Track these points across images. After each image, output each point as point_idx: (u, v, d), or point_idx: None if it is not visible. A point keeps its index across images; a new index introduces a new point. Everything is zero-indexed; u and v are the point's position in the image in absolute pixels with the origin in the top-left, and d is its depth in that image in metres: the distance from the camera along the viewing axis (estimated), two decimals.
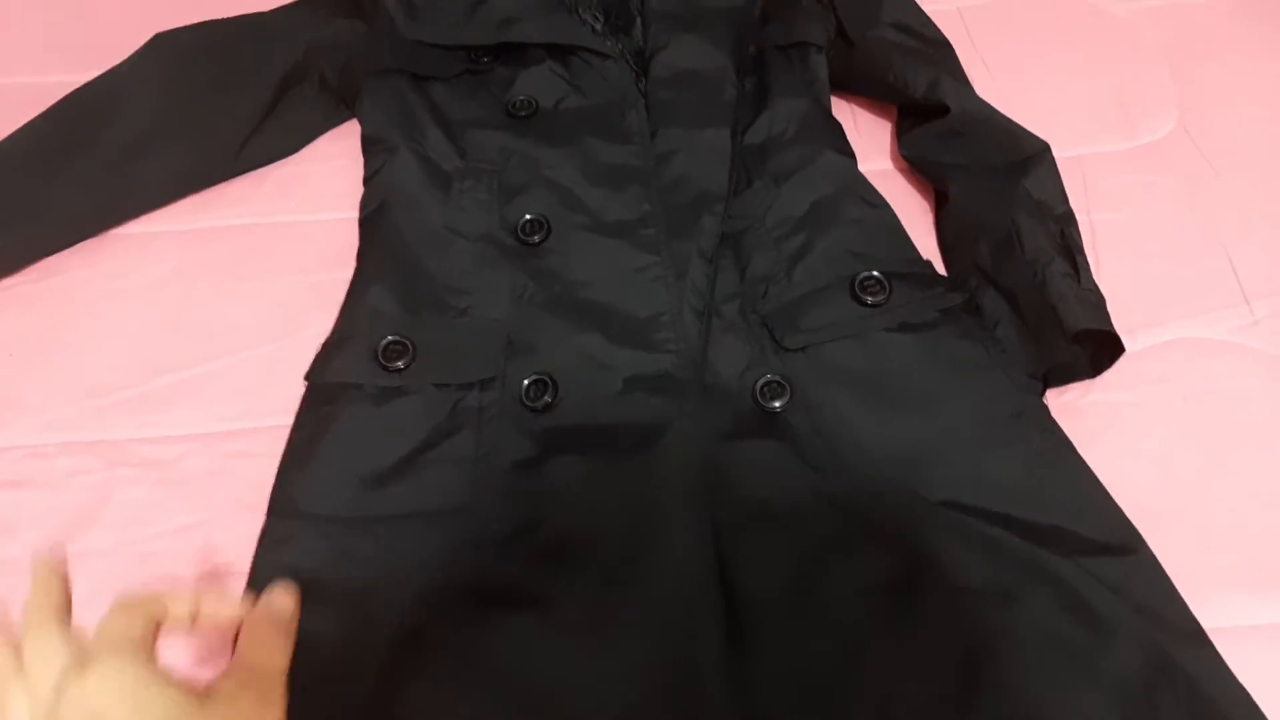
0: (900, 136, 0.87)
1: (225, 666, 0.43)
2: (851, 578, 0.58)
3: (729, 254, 0.75)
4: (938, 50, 0.90)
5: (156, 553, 0.63)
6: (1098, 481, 0.63)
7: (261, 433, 0.68)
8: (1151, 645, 0.55)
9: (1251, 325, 0.75)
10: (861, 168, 0.82)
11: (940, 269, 0.78)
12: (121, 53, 0.84)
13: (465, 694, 0.54)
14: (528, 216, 0.75)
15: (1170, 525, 0.62)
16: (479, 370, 0.67)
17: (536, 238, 0.74)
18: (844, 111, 0.91)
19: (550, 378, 0.66)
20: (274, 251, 0.80)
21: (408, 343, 0.68)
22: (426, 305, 0.71)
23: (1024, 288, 0.70)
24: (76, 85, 0.83)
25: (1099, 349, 0.69)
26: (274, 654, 0.44)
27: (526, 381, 0.66)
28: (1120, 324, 0.68)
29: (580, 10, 0.88)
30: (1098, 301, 0.69)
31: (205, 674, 0.58)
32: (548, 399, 0.65)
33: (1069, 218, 0.74)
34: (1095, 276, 0.70)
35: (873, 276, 0.71)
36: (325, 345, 0.70)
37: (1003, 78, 0.92)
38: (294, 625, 0.46)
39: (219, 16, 0.88)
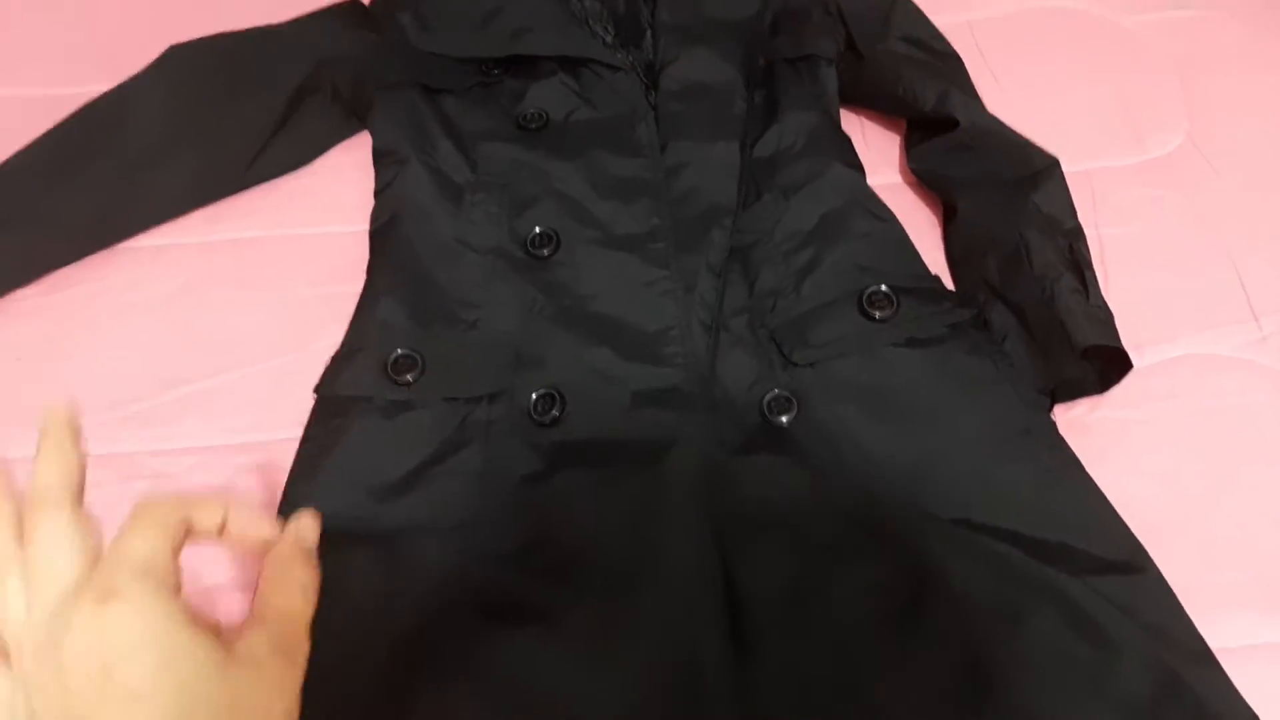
0: (909, 150, 0.87)
1: (248, 607, 0.38)
2: (856, 589, 0.58)
3: (737, 268, 0.75)
4: (947, 64, 0.89)
5: None
6: (1105, 499, 0.63)
7: (271, 445, 0.69)
8: (1159, 664, 0.54)
9: (1260, 341, 0.75)
10: (870, 181, 0.82)
11: (948, 283, 0.78)
12: (135, 64, 0.84)
13: (469, 706, 0.54)
14: (537, 229, 0.75)
15: (1177, 543, 0.62)
16: (487, 384, 0.67)
17: (546, 251, 0.74)
18: (853, 125, 0.91)
19: (558, 392, 0.66)
20: (284, 264, 0.81)
21: (417, 356, 0.68)
22: (436, 318, 0.71)
23: (1032, 303, 0.70)
24: (91, 97, 0.83)
25: (1107, 365, 0.69)
26: (297, 596, 0.40)
27: (534, 395, 0.66)
28: (1128, 340, 0.68)
29: (591, 23, 0.88)
30: (1106, 317, 0.69)
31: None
32: (555, 413, 0.65)
33: (1078, 233, 0.74)
34: (1104, 292, 0.70)
35: (881, 291, 0.71)
36: (335, 358, 0.71)
37: (1012, 91, 0.92)
38: (316, 561, 0.42)
39: (232, 28, 0.88)
